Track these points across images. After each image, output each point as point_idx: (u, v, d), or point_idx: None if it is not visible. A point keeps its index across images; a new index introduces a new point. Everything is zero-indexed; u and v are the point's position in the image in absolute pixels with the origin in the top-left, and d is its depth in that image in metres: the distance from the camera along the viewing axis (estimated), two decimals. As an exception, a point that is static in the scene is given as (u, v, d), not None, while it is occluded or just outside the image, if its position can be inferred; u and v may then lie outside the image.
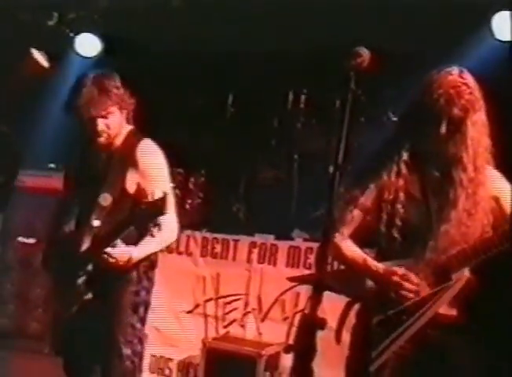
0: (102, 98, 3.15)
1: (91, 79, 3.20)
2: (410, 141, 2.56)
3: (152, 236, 3.06)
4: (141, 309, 3.27)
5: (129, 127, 3.33)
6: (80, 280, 3.16)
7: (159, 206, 2.96)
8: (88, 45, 5.28)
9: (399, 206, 2.53)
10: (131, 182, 3.20)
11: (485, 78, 2.58)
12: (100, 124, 3.18)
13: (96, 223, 3.16)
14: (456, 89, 2.47)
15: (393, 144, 2.59)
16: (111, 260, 3.08)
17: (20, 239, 5.10)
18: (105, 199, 3.14)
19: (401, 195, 2.54)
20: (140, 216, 3.02)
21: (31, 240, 3.70)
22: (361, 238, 2.62)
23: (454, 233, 2.49)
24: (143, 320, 3.29)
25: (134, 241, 3.13)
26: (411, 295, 2.47)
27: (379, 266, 2.53)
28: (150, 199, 3.00)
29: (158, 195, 2.99)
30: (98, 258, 3.10)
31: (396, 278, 2.47)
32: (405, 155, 2.56)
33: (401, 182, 2.55)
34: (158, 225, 3.01)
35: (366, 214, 2.59)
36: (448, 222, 2.49)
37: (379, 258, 2.57)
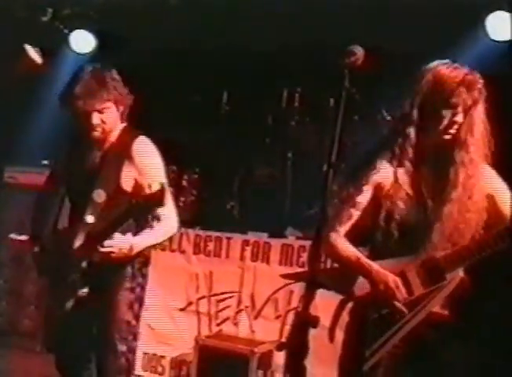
0: (100, 92, 3.10)
1: (90, 72, 3.15)
2: (413, 136, 2.54)
3: (152, 228, 3.05)
4: (136, 306, 3.26)
5: (123, 124, 3.29)
6: (75, 276, 3.13)
7: (157, 198, 2.93)
8: (82, 41, 5.27)
9: (395, 203, 2.53)
10: (128, 179, 3.16)
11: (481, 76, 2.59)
12: (96, 118, 3.12)
13: (89, 219, 3.13)
14: (470, 77, 2.49)
15: (392, 141, 2.57)
16: (113, 250, 3.03)
17: (13, 235, 5.09)
18: (99, 196, 3.11)
19: (398, 192, 2.54)
20: (138, 209, 2.98)
21: (24, 237, 3.70)
22: (356, 236, 2.61)
23: (455, 214, 2.48)
24: (137, 317, 3.28)
25: (132, 233, 3.10)
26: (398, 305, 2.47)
27: (373, 265, 2.52)
28: (148, 191, 2.98)
29: (155, 187, 2.96)
30: (94, 254, 3.06)
31: (382, 286, 2.47)
32: (410, 152, 2.54)
33: (399, 179, 2.54)
34: (157, 217, 3.01)
35: (362, 212, 2.57)
36: (450, 202, 2.48)
37: (373, 256, 2.56)
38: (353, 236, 2.60)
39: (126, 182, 3.16)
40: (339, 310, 2.57)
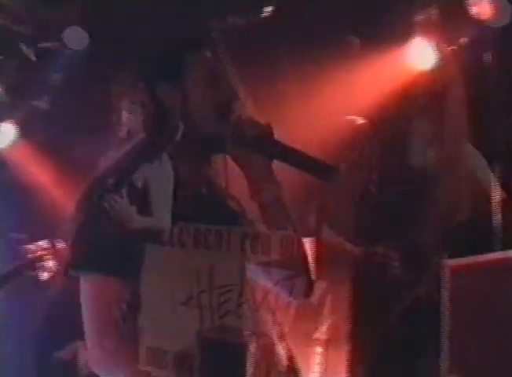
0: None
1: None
2: (388, 120, 2.55)
3: None
4: (123, 305, 3.28)
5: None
6: None
7: None
8: (76, 38, 5.28)
9: (373, 188, 2.53)
10: None
11: (464, 58, 2.57)
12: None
13: None
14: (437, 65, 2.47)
15: (369, 125, 2.58)
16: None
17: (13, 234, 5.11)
18: None
19: (377, 176, 2.54)
20: None
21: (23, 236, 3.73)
22: (339, 222, 2.61)
23: (439, 210, 2.49)
24: (124, 316, 3.30)
25: None
26: (395, 272, 2.46)
27: (356, 250, 2.51)
28: None
29: None
30: None
31: (377, 258, 2.46)
32: (382, 135, 2.56)
33: (376, 163, 2.55)
34: None
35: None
36: (432, 199, 2.49)
37: (358, 241, 2.55)
38: (337, 222, 2.60)
39: None
40: (324, 296, 2.55)
